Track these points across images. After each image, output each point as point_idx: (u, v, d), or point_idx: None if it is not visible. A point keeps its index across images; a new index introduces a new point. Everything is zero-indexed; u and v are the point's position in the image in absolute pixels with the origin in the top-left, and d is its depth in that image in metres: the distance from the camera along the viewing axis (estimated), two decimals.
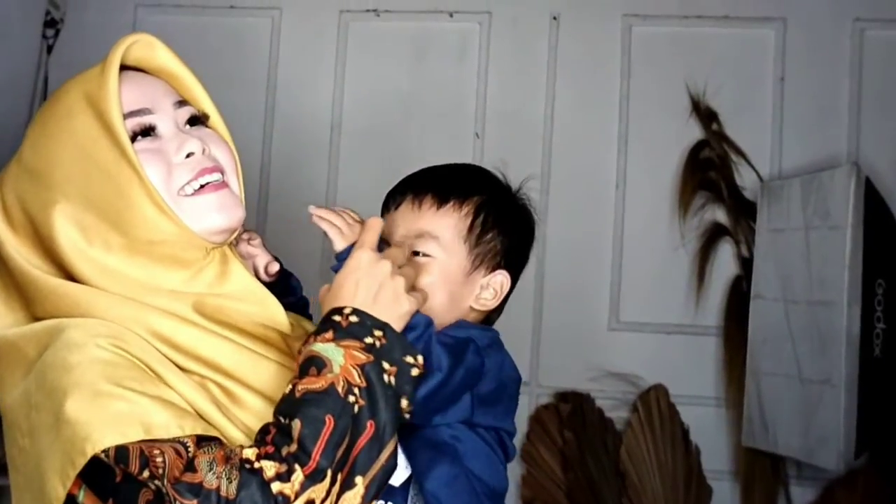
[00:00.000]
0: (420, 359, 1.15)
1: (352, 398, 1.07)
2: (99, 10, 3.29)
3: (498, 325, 1.42)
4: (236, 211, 1.20)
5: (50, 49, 3.27)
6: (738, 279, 3.04)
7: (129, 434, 1.01)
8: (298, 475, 1.01)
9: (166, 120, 1.19)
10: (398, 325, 1.16)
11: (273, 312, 1.22)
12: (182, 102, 1.23)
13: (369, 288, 1.17)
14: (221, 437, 1.07)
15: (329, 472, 1.03)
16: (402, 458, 1.20)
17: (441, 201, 1.36)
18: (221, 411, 1.11)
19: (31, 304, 1.16)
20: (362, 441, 1.06)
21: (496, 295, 1.40)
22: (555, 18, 3.19)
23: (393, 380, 1.11)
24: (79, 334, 1.09)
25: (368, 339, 1.12)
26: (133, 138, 1.14)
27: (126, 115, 1.15)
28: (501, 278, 1.40)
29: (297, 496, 1.01)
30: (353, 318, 1.13)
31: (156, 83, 1.22)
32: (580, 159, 3.14)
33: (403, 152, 3.05)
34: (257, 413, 1.13)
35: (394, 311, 1.16)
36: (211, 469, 1.01)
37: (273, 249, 1.46)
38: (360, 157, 3.17)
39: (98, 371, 1.05)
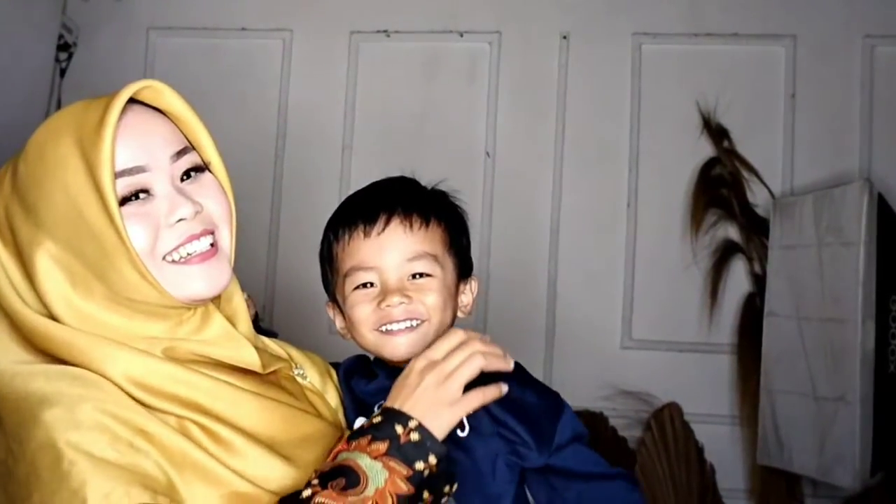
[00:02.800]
0: (455, 487, 1.15)
1: None
2: (111, 33, 3.32)
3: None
4: (220, 280, 1.19)
5: (63, 72, 3.30)
6: (751, 296, 3.03)
7: None
8: None
9: (161, 177, 1.16)
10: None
11: (245, 356, 1.23)
12: (181, 152, 1.19)
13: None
14: None
15: None
16: None
17: (425, 219, 1.34)
18: (206, 452, 1.11)
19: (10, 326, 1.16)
20: None
21: (471, 300, 1.41)
22: (564, 38, 3.19)
23: None
24: (51, 389, 1.09)
25: (419, 465, 1.10)
26: (124, 200, 1.13)
27: (119, 174, 1.12)
28: (474, 283, 1.41)
29: None
30: (415, 436, 1.12)
31: (156, 128, 1.19)
32: (591, 178, 3.14)
33: (414, 172, 3.05)
34: (240, 451, 1.13)
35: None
36: None
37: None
38: (371, 177, 3.15)
39: (61, 430, 1.04)
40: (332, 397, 1.37)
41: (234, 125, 3.21)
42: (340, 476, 1.07)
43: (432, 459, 1.11)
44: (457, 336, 1.20)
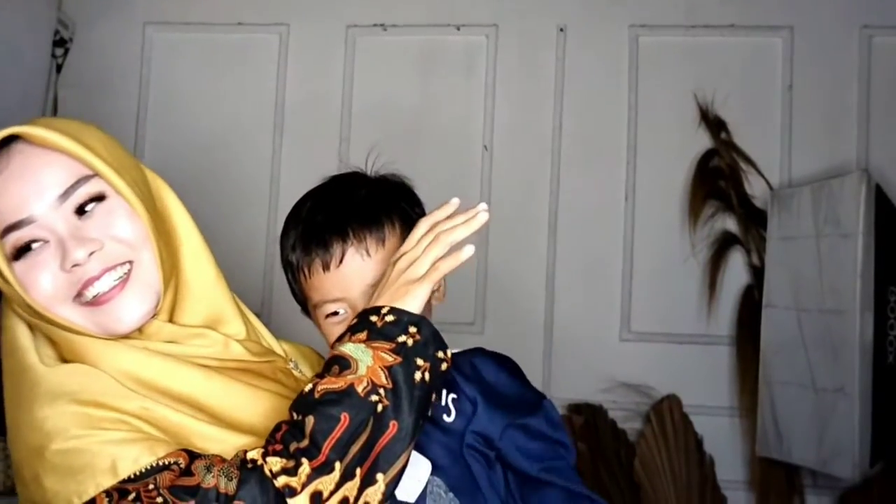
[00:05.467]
0: (449, 353, 1.16)
1: (375, 398, 1.08)
2: (108, 29, 3.31)
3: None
4: (139, 309, 1.16)
5: (59, 68, 3.29)
6: (750, 288, 3.03)
7: (103, 483, 1.02)
8: (305, 468, 1.03)
9: (49, 224, 1.12)
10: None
11: (230, 347, 1.23)
12: (71, 189, 1.13)
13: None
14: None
15: (339, 466, 1.04)
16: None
17: (380, 238, 1.32)
18: (208, 424, 1.13)
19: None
20: (384, 440, 1.07)
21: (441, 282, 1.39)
22: (561, 30, 3.19)
23: (427, 376, 1.12)
24: (55, 381, 1.10)
25: (401, 338, 1.12)
26: (21, 252, 1.12)
27: (8, 229, 1.11)
28: None
29: (303, 487, 1.02)
30: (389, 318, 1.14)
31: (41, 170, 1.13)
32: (589, 170, 3.14)
33: (412, 165, 3.04)
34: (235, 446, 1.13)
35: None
36: (209, 471, 1.03)
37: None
38: (369, 171, 3.16)
39: (69, 418, 1.05)
40: None
41: (232, 120, 3.20)
42: (333, 365, 1.11)
43: (412, 329, 1.13)
44: (425, 223, 1.22)
